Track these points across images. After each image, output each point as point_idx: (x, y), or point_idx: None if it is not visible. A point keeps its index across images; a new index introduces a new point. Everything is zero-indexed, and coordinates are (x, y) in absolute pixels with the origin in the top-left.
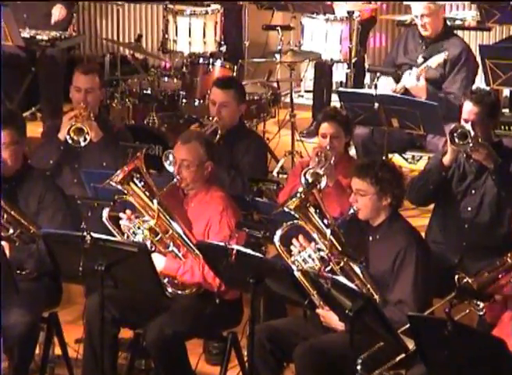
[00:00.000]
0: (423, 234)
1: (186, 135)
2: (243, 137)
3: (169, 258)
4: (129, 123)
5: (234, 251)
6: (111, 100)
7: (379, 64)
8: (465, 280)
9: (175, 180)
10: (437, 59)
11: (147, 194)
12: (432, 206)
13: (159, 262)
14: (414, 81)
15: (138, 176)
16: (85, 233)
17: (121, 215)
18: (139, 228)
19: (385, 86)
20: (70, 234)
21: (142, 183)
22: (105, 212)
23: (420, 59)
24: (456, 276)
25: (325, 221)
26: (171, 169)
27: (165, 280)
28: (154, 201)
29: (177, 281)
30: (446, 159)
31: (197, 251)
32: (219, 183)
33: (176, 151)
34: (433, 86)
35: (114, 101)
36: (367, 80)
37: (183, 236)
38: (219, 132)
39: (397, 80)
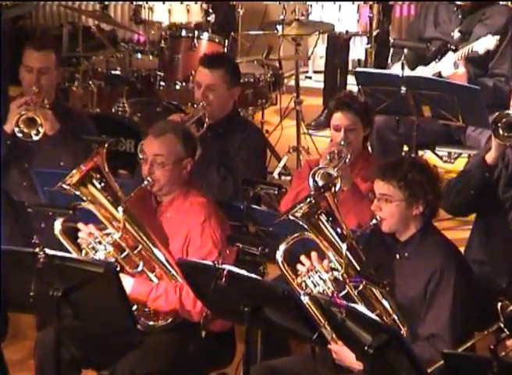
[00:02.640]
0: (462, 251)
1: (159, 126)
2: (237, 128)
3: (138, 281)
4: (94, 111)
5: (225, 272)
6: (70, 82)
7: (406, 38)
8: (511, 309)
9: (145, 182)
10: (486, 43)
11: (111, 200)
12: (472, 217)
13: (126, 284)
14: (451, 69)
15: (99, 177)
16: (37, 250)
17: (79, 226)
18: (100, 243)
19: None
20: (18, 251)
21: (104, 186)
22: (58, 223)
23: (456, 34)
24: (500, 304)
25: (341, 233)
26: None
27: (134, 308)
28: (119, 208)
29: (148, 309)
30: (490, 157)
31: (173, 272)
32: (206, 186)
33: (146, 145)
34: (475, 68)
35: (74, 83)
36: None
37: (157, 252)
38: (206, 121)
39: (426, 58)
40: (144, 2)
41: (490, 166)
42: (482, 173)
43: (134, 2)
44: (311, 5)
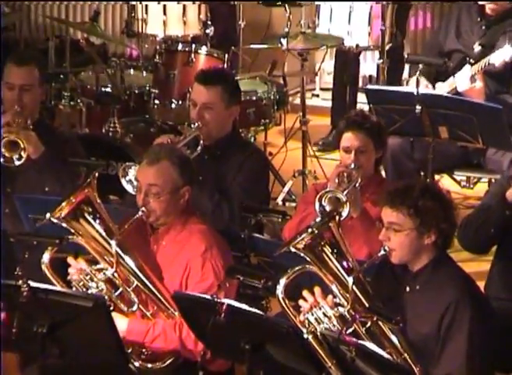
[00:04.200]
0: (481, 286)
1: (153, 152)
2: (236, 150)
3: (133, 320)
4: (82, 132)
5: (224, 307)
6: (57, 100)
7: (423, 52)
8: None
9: (140, 212)
10: (503, 54)
11: (103, 234)
12: (493, 249)
13: (120, 325)
14: (467, 83)
15: (90, 210)
16: (20, 282)
17: (69, 261)
18: (92, 280)
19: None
20: (0, 283)
21: (96, 219)
22: (46, 256)
23: (476, 47)
24: None
25: (346, 266)
26: (130, 188)
27: (129, 351)
28: (113, 243)
29: (146, 351)
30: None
31: (171, 309)
32: (200, 213)
33: (140, 174)
34: (496, 83)
35: (61, 101)
36: (406, 74)
37: (153, 288)
38: (201, 142)
39: (444, 75)
40: (138, 13)
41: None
42: (503, 211)
43: (126, 13)
44: (318, 17)
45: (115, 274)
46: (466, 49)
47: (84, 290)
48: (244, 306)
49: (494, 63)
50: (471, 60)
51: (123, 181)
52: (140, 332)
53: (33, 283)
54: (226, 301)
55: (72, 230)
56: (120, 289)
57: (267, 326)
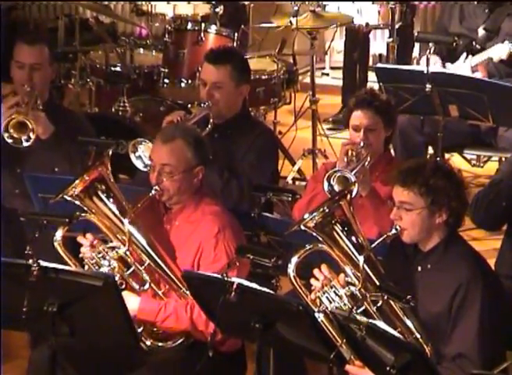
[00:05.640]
0: (492, 264)
1: (167, 131)
2: (246, 130)
3: (145, 299)
4: (92, 111)
5: (234, 286)
6: (66, 80)
7: (433, 31)
8: None
9: (153, 191)
10: (499, 51)
11: (116, 212)
12: (504, 227)
13: (132, 304)
14: (468, 73)
15: (104, 188)
16: (30, 261)
17: (80, 239)
18: (104, 258)
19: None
20: (10, 262)
21: (109, 197)
22: (59, 235)
23: (481, 32)
24: None
25: (357, 244)
26: (140, 165)
27: (140, 329)
28: (125, 220)
29: (157, 329)
30: None
31: (183, 289)
32: (210, 191)
33: (153, 153)
34: (507, 67)
35: (70, 81)
36: (416, 52)
37: (165, 268)
38: (211, 121)
39: (452, 55)
40: None
41: None
42: None
43: None
44: None
45: (128, 253)
46: (470, 33)
47: (97, 268)
48: (254, 285)
49: (492, 57)
50: (477, 46)
51: (133, 157)
52: (151, 311)
53: (43, 263)
54: (236, 280)
55: (85, 208)
56: (132, 267)
57: (277, 304)
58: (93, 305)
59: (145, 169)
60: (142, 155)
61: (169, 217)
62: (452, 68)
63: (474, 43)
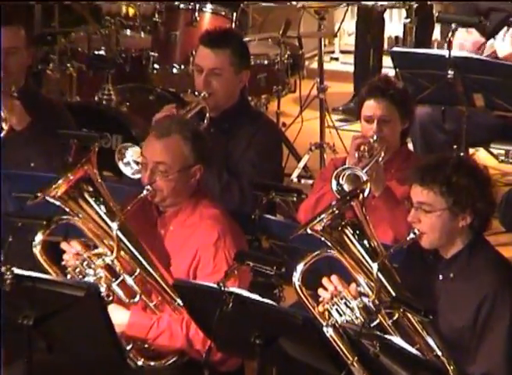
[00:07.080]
0: None
1: (162, 125)
2: (246, 122)
3: (135, 313)
4: (73, 100)
5: (233, 297)
6: (44, 65)
7: (455, 11)
8: None
9: (144, 192)
10: None
11: (103, 216)
12: None
13: (120, 318)
14: (508, 48)
15: (90, 189)
16: (4, 269)
17: (63, 246)
18: (90, 267)
19: (465, 43)
20: None
21: (96, 199)
22: (38, 239)
23: None
24: None
25: (371, 250)
26: (128, 172)
27: (129, 347)
28: (114, 225)
29: (148, 347)
30: None
31: (178, 301)
32: (208, 192)
33: (146, 149)
34: None
35: (49, 66)
36: (436, 34)
37: (158, 277)
38: (207, 114)
39: (483, 34)
40: None
41: None
42: None
43: None
44: None
45: (116, 261)
46: (507, 5)
47: (81, 277)
48: (255, 296)
49: None
50: None
51: (121, 165)
52: (142, 327)
53: (17, 270)
54: (234, 290)
55: (69, 211)
56: (121, 277)
57: (280, 317)
58: (73, 317)
59: (135, 177)
60: (130, 160)
61: (163, 221)
62: (488, 44)
63: (510, 18)
